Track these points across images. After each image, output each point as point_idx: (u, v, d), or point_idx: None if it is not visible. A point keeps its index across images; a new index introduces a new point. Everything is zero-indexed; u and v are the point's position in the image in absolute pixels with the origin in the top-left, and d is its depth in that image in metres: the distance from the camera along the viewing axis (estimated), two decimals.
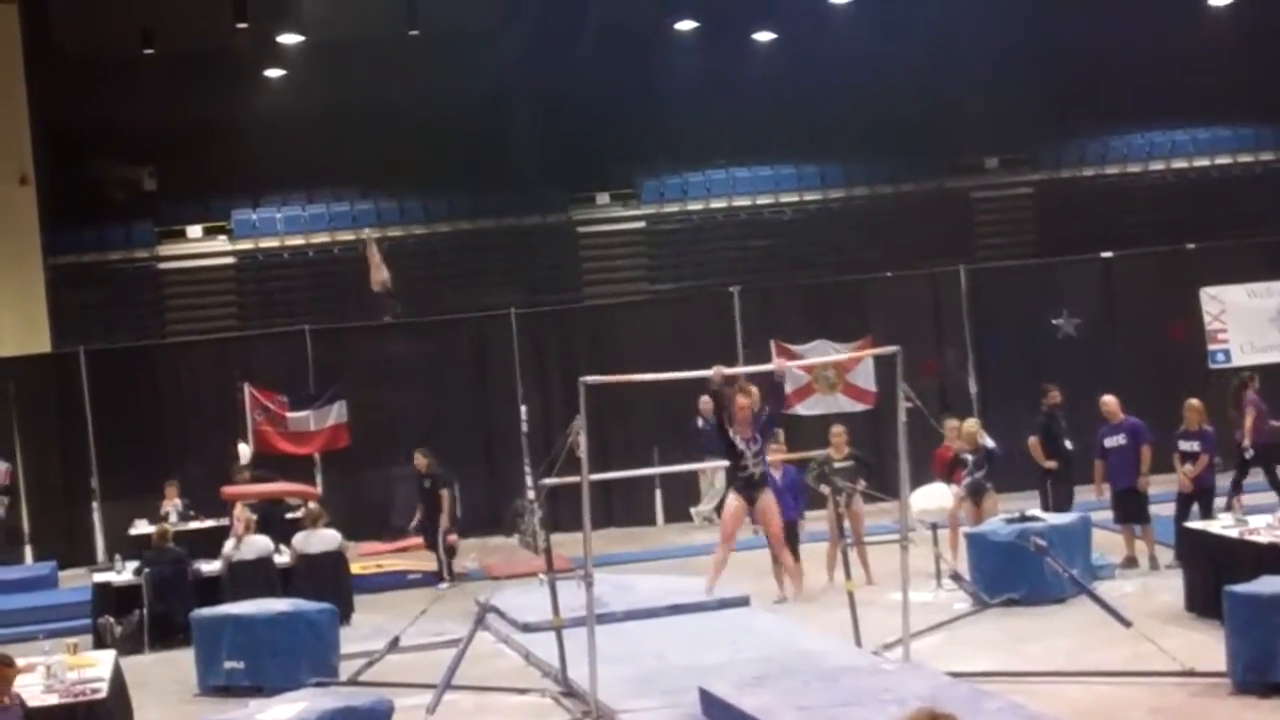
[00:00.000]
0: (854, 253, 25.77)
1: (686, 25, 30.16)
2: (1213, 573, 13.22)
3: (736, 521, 15.28)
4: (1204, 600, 13.26)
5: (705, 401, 21.35)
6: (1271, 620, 11.26)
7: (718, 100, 28.60)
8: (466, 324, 23.46)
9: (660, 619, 15.06)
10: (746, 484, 14.64)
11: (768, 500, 14.79)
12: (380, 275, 23.90)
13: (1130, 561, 16.12)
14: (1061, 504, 17.37)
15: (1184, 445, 16.01)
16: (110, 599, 16.60)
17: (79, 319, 25.12)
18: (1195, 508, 15.66)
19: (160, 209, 27.91)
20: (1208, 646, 11.81)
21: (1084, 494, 17.49)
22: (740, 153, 28.99)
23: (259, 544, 16.97)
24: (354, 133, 27.40)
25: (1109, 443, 16.34)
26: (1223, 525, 14.03)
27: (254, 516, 17.85)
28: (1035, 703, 10.70)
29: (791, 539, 16.17)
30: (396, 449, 22.82)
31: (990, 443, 16.98)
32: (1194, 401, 16.27)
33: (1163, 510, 16.26)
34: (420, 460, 19.00)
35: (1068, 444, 17.86)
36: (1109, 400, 16.57)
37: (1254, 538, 13.27)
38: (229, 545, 16.91)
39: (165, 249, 26.98)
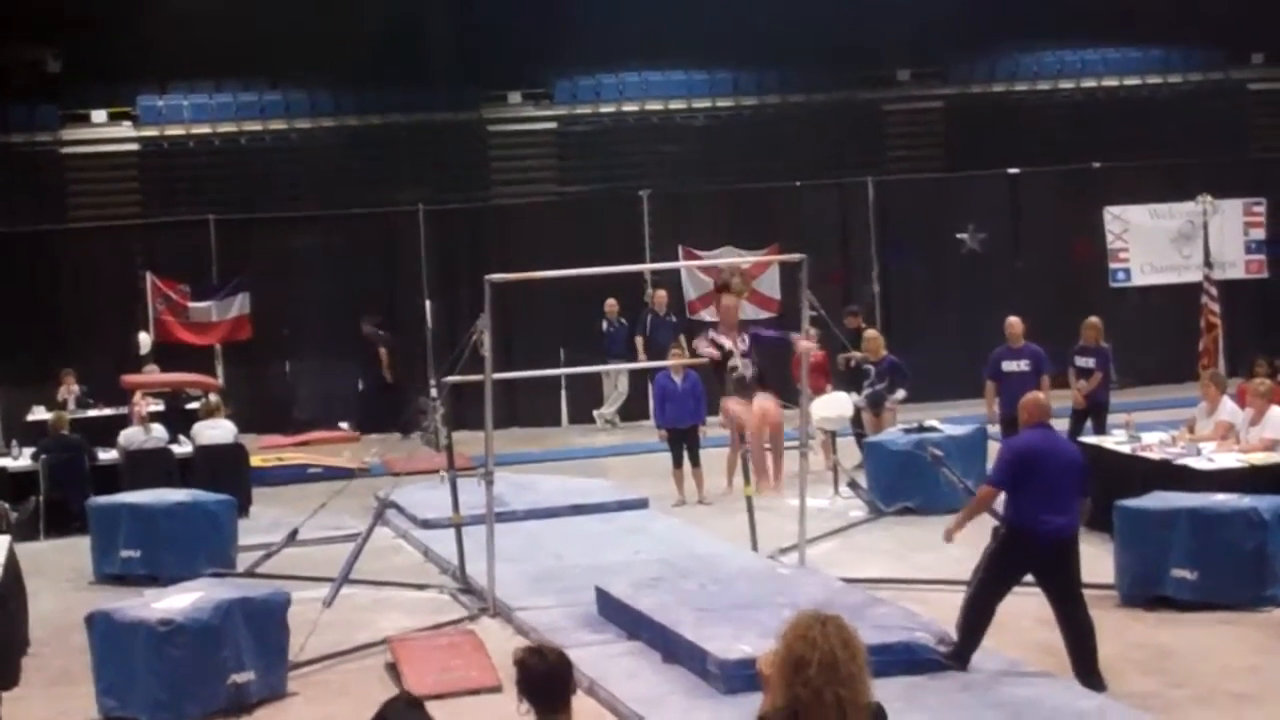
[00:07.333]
0: (764, 160, 25.69)
1: None
2: (1104, 488, 13.46)
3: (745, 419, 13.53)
4: (1094, 514, 13.48)
5: (611, 304, 21.50)
6: (1159, 535, 11.54)
7: (634, 0, 28.33)
8: (373, 219, 23.29)
9: (560, 519, 15.18)
10: (739, 385, 12.65)
11: (765, 402, 13.24)
12: None
13: None
14: None
15: (1080, 361, 16.20)
16: (5, 484, 16.48)
17: None
18: (1089, 424, 15.91)
19: (64, 92, 27.29)
20: (1096, 559, 12.02)
21: (972, 408, 17.57)
22: (654, 55, 28.73)
23: (157, 433, 16.85)
24: (265, 21, 26.82)
25: (1007, 366, 16.03)
26: (1115, 441, 14.28)
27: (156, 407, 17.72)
28: (926, 610, 10.90)
29: (692, 445, 16.29)
30: (299, 342, 22.74)
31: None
32: (1093, 319, 16.44)
33: (1057, 425, 16.44)
34: None
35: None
36: (1014, 321, 16.25)
37: (1146, 454, 13.55)
38: (133, 431, 16.75)
39: (69, 133, 26.39)
